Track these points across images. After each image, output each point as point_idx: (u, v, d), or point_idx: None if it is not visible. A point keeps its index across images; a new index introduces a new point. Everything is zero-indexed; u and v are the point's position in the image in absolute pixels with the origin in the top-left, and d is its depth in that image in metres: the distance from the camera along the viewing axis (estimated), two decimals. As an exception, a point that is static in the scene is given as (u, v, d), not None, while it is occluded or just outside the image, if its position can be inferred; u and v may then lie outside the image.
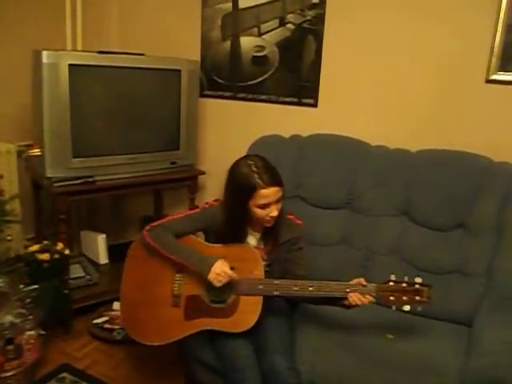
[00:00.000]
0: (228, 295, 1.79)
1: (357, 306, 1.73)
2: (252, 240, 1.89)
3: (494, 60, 2.18)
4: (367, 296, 1.71)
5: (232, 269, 1.79)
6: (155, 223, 1.90)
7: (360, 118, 2.54)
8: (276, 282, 1.77)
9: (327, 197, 2.34)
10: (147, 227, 1.89)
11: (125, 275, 1.96)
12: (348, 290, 1.72)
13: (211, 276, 1.76)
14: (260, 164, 1.75)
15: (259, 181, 1.71)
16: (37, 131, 2.42)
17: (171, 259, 1.84)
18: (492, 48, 2.17)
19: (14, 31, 2.75)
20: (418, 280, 1.72)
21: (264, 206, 1.74)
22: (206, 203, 1.94)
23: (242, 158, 1.85)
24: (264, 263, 1.83)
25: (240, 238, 1.86)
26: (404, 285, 1.72)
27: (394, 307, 1.72)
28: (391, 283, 1.73)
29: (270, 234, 1.86)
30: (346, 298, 1.72)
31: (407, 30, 2.36)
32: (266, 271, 1.81)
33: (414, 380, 1.70)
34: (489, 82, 2.21)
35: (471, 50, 2.23)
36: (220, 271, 1.76)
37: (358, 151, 2.34)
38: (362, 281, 1.74)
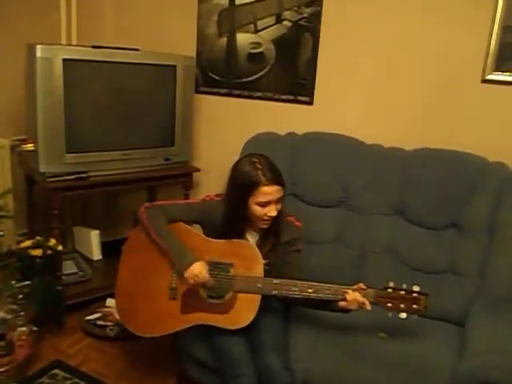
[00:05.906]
0: (226, 291, 1.79)
1: (351, 309, 1.73)
2: (251, 239, 1.88)
3: (489, 60, 2.18)
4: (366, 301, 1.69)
5: (230, 264, 1.79)
6: (155, 203, 1.94)
7: (355, 117, 2.53)
8: (275, 281, 1.76)
9: (321, 195, 2.34)
10: (147, 204, 1.91)
11: (122, 263, 1.95)
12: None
13: (188, 274, 1.76)
14: (264, 162, 1.76)
15: (262, 177, 1.71)
16: (30, 126, 2.40)
17: (157, 243, 1.84)
18: (488, 48, 2.18)
19: (8, 24, 2.71)
20: (416, 288, 1.71)
21: (264, 204, 1.74)
22: (207, 196, 1.93)
23: (245, 156, 1.85)
24: (264, 261, 1.81)
25: (238, 236, 1.84)
26: (402, 292, 1.71)
27: (390, 314, 1.71)
28: (390, 290, 1.72)
29: (269, 234, 1.85)
30: (344, 300, 1.71)
31: (403, 30, 2.36)
32: (265, 270, 1.79)
33: (406, 379, 1.71)
34: (484, 81, 2.22)
35: (467, 49, 2.23)
36: (198, 272, 1.76)
37: (352, 149, 2.33)
38: (362, 285, 1.73)
